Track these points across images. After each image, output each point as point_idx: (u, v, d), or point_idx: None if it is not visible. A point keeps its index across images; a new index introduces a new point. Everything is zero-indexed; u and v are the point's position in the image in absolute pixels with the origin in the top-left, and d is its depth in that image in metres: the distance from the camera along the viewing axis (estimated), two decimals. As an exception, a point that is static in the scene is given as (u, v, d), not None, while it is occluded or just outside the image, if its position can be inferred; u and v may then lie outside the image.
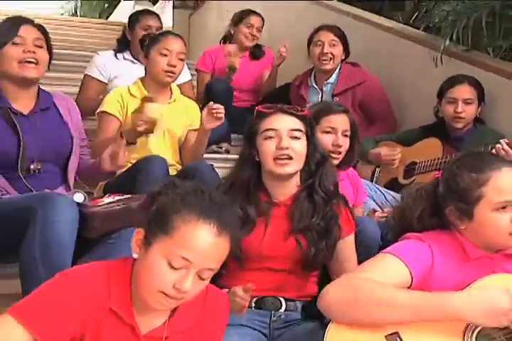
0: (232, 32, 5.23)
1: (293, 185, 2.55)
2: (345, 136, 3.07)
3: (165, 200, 1.83)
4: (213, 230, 1.76)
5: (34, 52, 2.89)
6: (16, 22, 2.97)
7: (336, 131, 3.05)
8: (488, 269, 2.12)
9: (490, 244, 2.16)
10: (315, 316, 2.25)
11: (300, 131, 2.50)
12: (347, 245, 2.58)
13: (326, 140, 3.02)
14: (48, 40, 3.01)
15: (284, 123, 2.49)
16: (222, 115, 3.40)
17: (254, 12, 5.29)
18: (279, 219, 2.51)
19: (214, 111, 3.38)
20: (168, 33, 3.91)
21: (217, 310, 2.00)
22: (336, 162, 3.04)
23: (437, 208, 2.21)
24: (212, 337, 1.99)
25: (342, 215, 2.56)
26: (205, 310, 1.96)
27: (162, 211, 1.81)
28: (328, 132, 3.04)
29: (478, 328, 2.02)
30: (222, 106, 3.41)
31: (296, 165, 2.49)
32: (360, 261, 2.26)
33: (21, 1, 15.26)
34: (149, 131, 3.28)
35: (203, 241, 1.75)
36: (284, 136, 2.46)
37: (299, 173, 2.55)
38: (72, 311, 1.77)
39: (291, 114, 2.52)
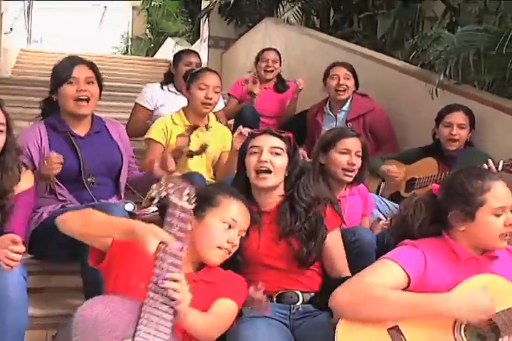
0: (256, 69, 5.20)
1: (276, 195, 2.52)
2: (358, 156, 3.07)
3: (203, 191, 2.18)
4: (242, 202, 2.25)
5: (85, 90, 2.94)
6: (70, 63, 3.01)
7: (350, 152, 3.05)
8: (475, 270, 2.12)
9: (480, 245, 2.16)
10: (324, 305, 2.20)
11: (280, 148, 2.49)
12: (332, 239, 2.53)
13: (341, 159, 3.05)
14: (98, 75, 3.04)
15: (266, 141, 2.50)
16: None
17: (267, 49, 5.28)
18: (269, 225, 2.48)
19: (244, 132, 3.39)
20: (205, 69, 3.93)
21: (236, 283, 2.21)
22: (349, 179, 3.06)
23: (437, 216, 2.20)
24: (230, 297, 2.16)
25: (327, 214, 2.53)
26: (225, 279, 2.18)
27: (206, 193, 2.19)
28: (343, 153, 3.05)
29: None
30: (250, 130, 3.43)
31: (275, 179, 2.47)
32: (359, 266, 2.23)
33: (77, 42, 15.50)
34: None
35: (240, 208, 2.24)
36: (264, 151, 2.46)
37: (282, 185, 2.52)
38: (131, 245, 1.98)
39: (275, 135, 2.52)
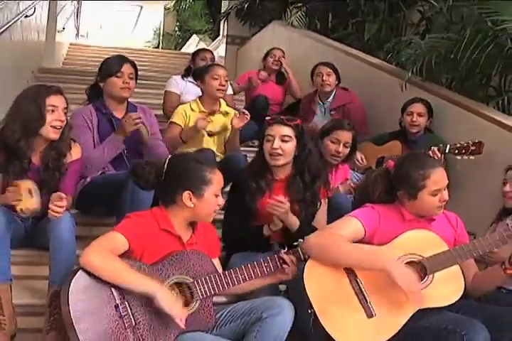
0: (264, 63, 5.34)
1: (287, 170, 2.73)
2: (346, 146, 3.24)
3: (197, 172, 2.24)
4: (218, 170, 2.28)
5: (128, 83, 3.21)
6: (119, 61, 3.27)
7: (340, 142, 3.23)
8: (416, 228, 2.31)
9: (422, 214, 2.35)
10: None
11: (289, 136, 2.67)
12: (321, 207, 2.77)
13: (331, 147, 3.24)
14: (136, 72, 3.30)
15: (277, 131, 2.68)
16: (248, 117, 3.59)
17: (276, 48, 5.43)
18: (279, 190, 2.70)
19: (245, 115, 3.57)
20: (214, 64, 4.12)
21: (212, 232, 2.40)
22: (334, 162, 3.28)
23: (390, 189, 2.37)
24: (215, 247, 2.39)
25: (321, 192, 2.76)
26: (207, 231, 2.35)
27: (199, 174, 2.22)
28: (334, 142, 3.23)
29: None
30: (247, 112, 3.61)
31: (284, 159, 2.68)
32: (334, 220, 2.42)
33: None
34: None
35: (221, 177, 2.27)
36: (276, 140, 2.65)
37: (291, 162, 2.72)
38: (141, 230, 2.15)
39: (285, 124, 2.68)
